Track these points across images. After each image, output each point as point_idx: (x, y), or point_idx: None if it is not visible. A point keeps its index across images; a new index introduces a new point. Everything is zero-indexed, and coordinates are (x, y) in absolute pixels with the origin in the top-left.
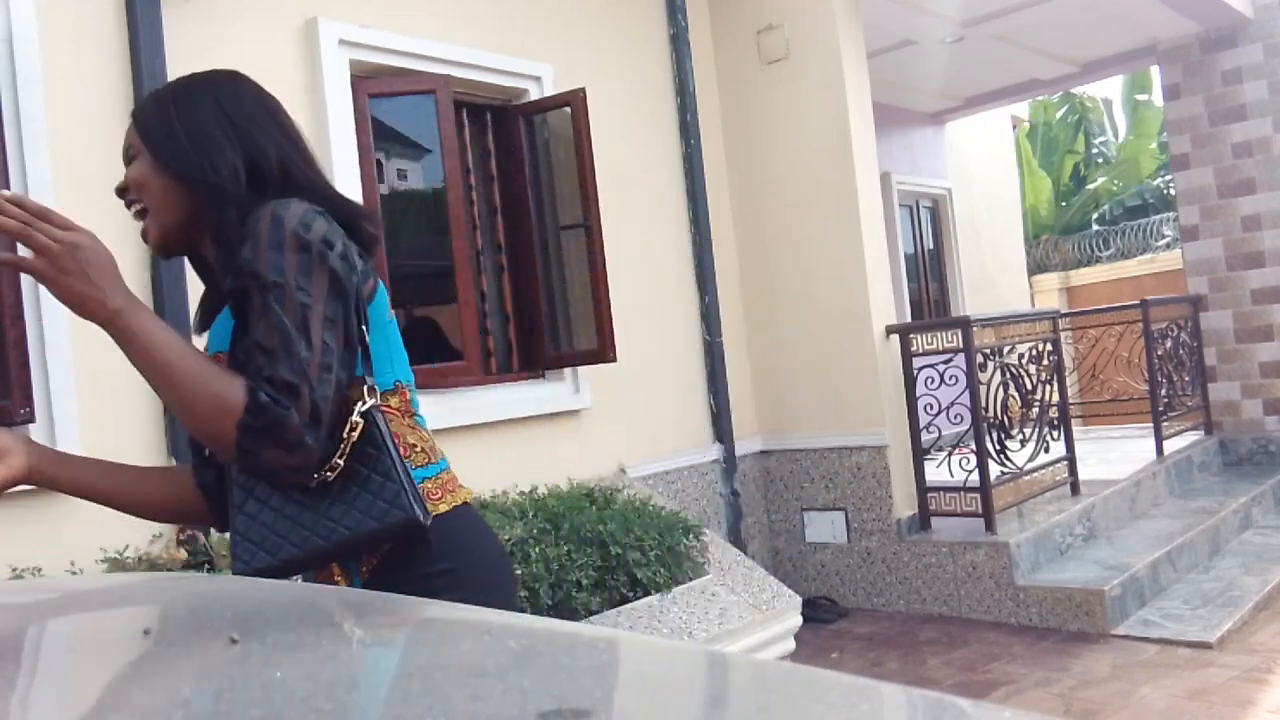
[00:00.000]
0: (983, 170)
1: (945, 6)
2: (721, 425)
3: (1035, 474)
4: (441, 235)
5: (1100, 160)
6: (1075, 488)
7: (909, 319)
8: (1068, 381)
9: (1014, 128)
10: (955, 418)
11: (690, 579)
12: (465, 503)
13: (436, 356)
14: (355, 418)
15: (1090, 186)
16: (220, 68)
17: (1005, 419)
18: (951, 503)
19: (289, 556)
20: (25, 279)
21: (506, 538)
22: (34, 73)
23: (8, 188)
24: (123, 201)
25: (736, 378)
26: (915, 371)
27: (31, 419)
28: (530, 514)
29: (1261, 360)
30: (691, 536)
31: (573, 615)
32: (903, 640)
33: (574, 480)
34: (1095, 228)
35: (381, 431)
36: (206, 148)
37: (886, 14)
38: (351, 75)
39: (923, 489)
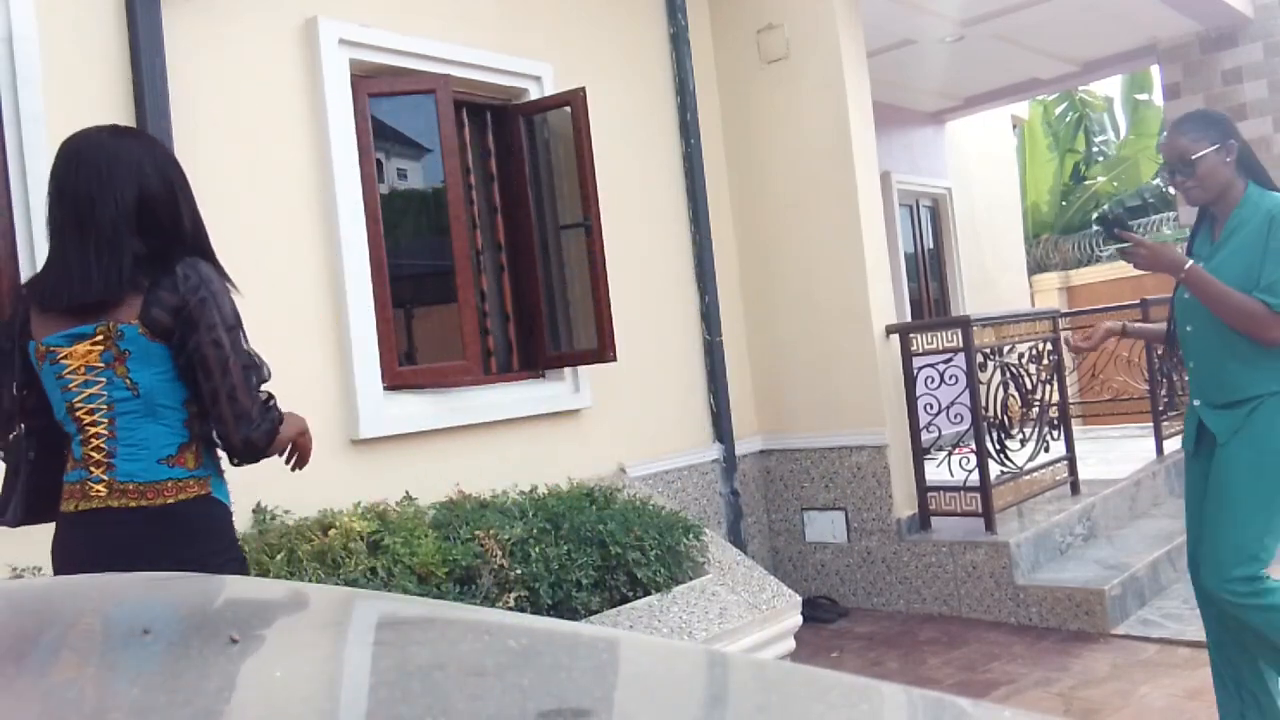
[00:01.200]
0: (983, 170)
1: (945, 6)
2: (721, 425)
3: (1035, 474)
4: (441, 235)
5: (1100, 159)
6: (1075, 487)
7: (909, 319)
8: (1068, 381)
9: (1014, 127)
10: (955, 417)
11: (690, 579)
12: (62, 512)
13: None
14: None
15: (1091, 186)
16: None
17: (1005, 419)
18: (951, 502)
19: None
20: (25, 279)
21: (507, 537)
22: (34, 73)
23: (7, 188)
24: None
25: (736, 378)
26: (915, 371)
27: None
28: (530, 514)
29: None
30: (691, 536)
31: (573, 615)
32: (903, 640)
33: (574, 480)
34: (1095, 227)
35: None
36: None
37: (886, 13)
38: (351, 75)
39: (923, 488)
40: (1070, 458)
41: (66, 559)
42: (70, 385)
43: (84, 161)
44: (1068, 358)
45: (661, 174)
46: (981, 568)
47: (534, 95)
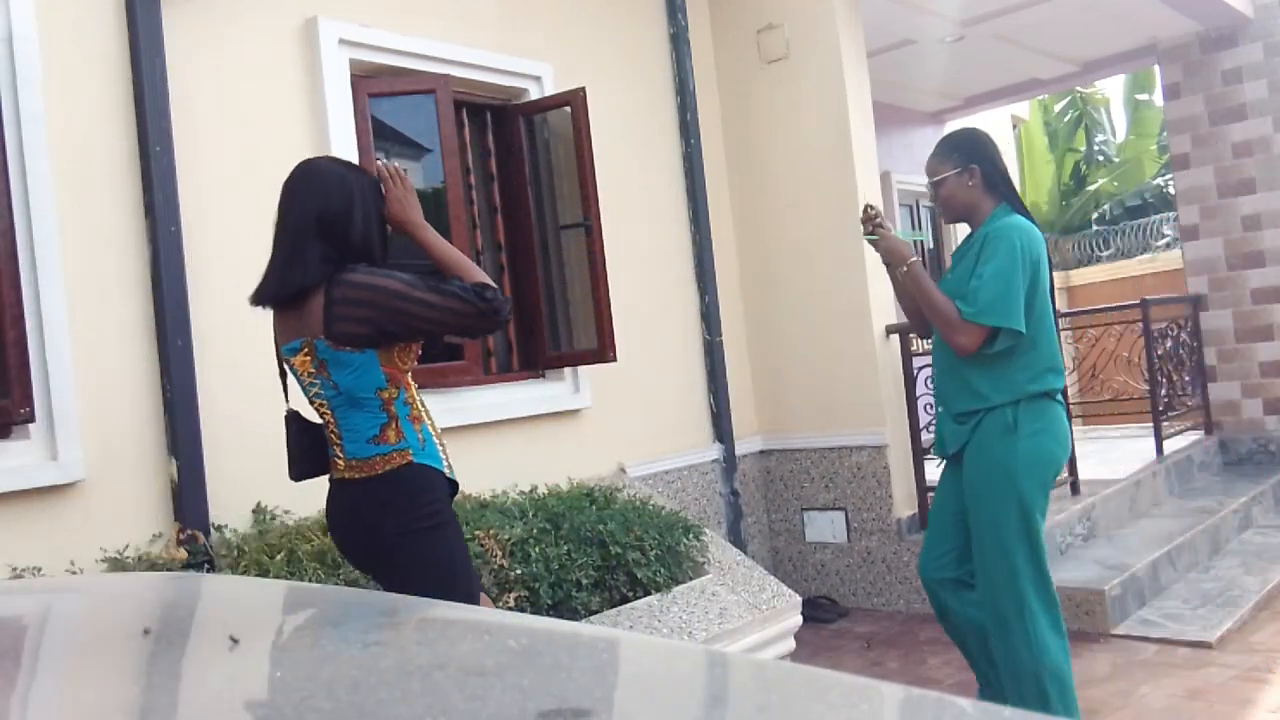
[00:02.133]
0: None
1: (945, 6)
2: (721, 425)
3: None
4: (441, 235)
5: (1100, 159)
6: (1075, 487)
7: None
8: (1068, 381)
9: (1014, 127)
10: None
11: (690, 579)
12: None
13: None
14: None
15: (1091, 185)
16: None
17: None
18: None
19: None
20: (24, 278)
21: (507, 537)
22: (34, 73)
23: (7, 188)
24: None
25: (736, 378)
26: (915, 371)
27: (31, 419)
28: (530, 514)
29: (1261, 360)
30: (691, 536)
31: (573, 615)
32: (903, 640)
33: (574, 480)
34: (1095, 227)
35: None
36: None
37: (886, 13)
38: (351, 75)
39: (923, 488)
40: (1070, 458)
41: (329, 517)
42: (304, 385)
43: (285, 183)
44: (1068, 358)
45: (661, 174)
46: None
47: (534, 95)
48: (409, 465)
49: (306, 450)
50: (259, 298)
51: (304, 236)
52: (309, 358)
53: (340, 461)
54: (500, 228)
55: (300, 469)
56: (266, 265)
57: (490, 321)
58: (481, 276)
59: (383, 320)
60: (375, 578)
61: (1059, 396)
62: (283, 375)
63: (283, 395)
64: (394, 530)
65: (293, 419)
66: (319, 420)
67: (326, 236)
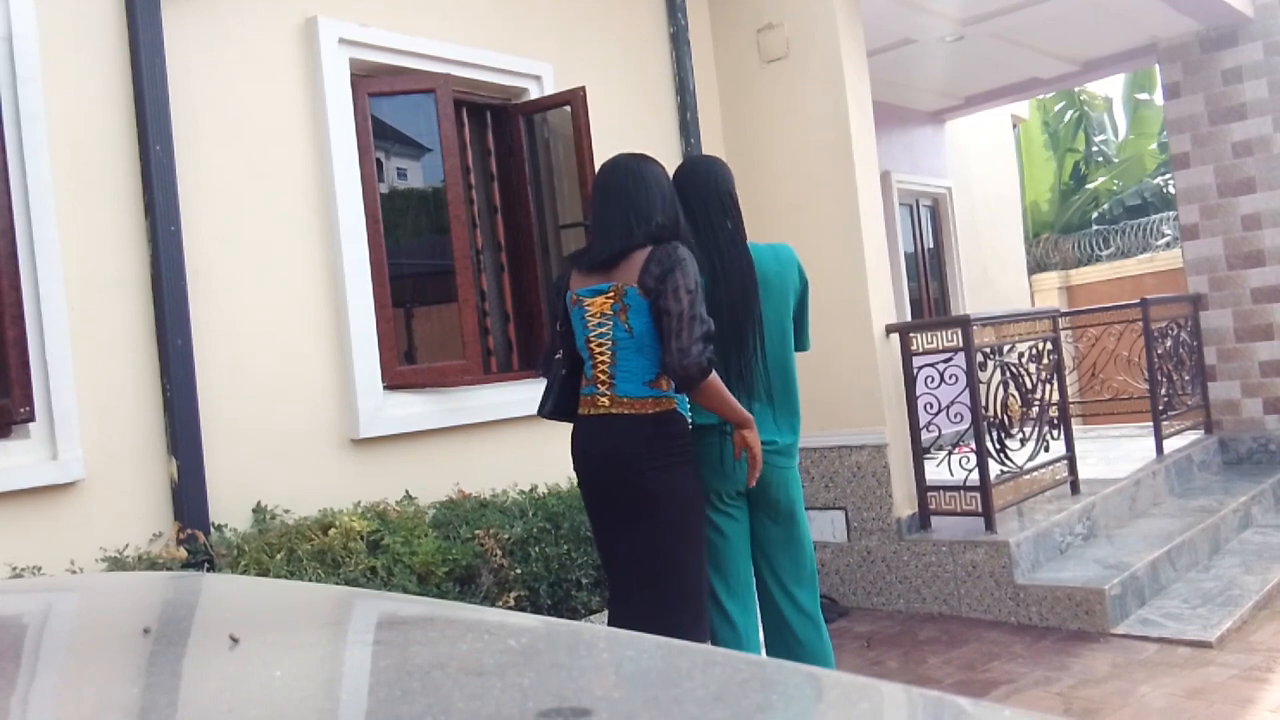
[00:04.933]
0: (983, 169)
1: (945, 5)
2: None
3: (1035, 473)
4: (441, 234)
5: (1100, 159)
6: (1075, 487)
7: (909, 318)
8: (1068, 380)
9: (1014, 126)
10: (955, 417)
11: None
12: (580, 415)
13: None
14: None
15: (1090, 185)
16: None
17: (1005, 418)
18: (951, 502)
19: None
20: (24, 278)
21: (507, 537)
22: (34, 72)
23: (7, 187)
24: None
25: None
26: (915, 370)
27: (31, 418)
28: (530, 513)
29: (1261, 359)
30: None
31: (573, 614)
32: (903, 639)
33: (574, 480)
34: (1095, 226)
35: None
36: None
37: (887, 12)
38: (351, 74)
39: (923, 488)
40: (1070, 457)
41: (582, 448)
42: (588, 325)
43: (622, 168)
44: (1068, 357)
45: None
46: (981, 567)
47: (534, 95)
48: (674, 411)
49: (567, 394)
50: (604, 254)
51: (646, 210)
52: (611, 300)
53: (604, 399)
54: (500, 227)
55: (557, 409)
56: (600, 232)
57: (682, 369)
58: (705, 359)
59: (660, 284)
60: (618, 504)
61: (704, 430)
62: (556, 324)
63: (554, 339)
64: (657, 458)
65: (566, 360)
66: (585, 360)
67: (657, 217)
